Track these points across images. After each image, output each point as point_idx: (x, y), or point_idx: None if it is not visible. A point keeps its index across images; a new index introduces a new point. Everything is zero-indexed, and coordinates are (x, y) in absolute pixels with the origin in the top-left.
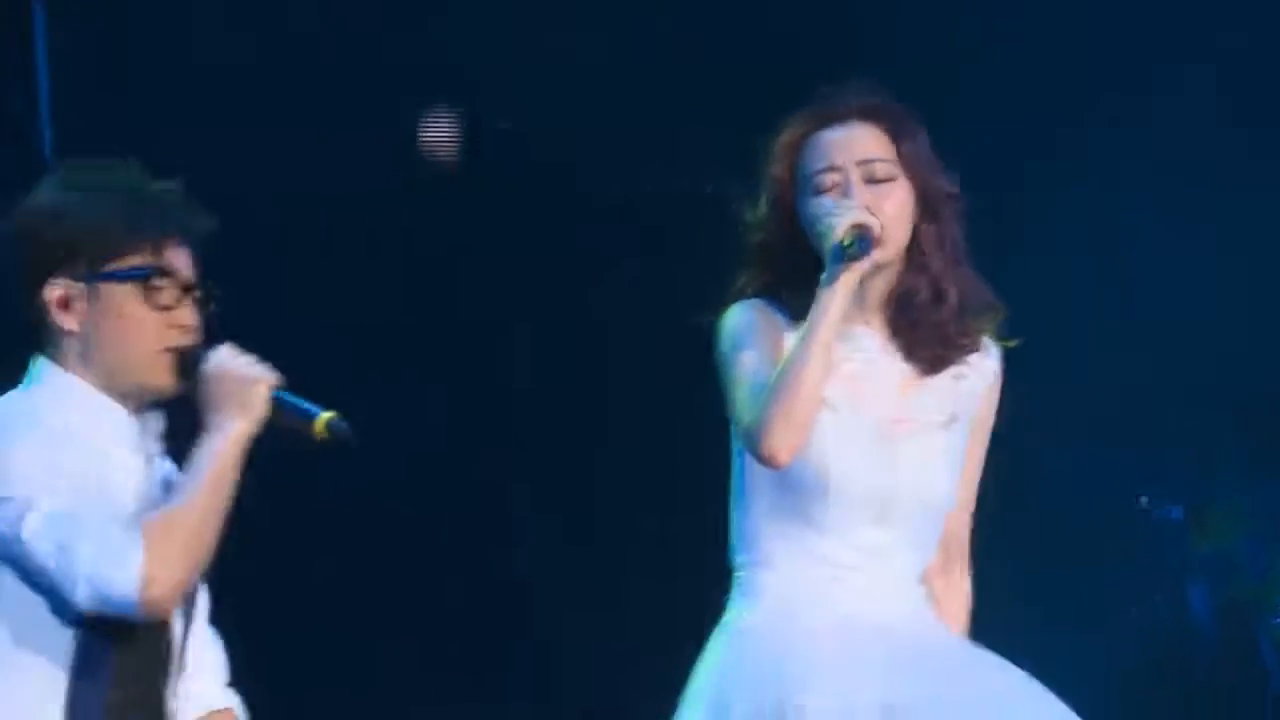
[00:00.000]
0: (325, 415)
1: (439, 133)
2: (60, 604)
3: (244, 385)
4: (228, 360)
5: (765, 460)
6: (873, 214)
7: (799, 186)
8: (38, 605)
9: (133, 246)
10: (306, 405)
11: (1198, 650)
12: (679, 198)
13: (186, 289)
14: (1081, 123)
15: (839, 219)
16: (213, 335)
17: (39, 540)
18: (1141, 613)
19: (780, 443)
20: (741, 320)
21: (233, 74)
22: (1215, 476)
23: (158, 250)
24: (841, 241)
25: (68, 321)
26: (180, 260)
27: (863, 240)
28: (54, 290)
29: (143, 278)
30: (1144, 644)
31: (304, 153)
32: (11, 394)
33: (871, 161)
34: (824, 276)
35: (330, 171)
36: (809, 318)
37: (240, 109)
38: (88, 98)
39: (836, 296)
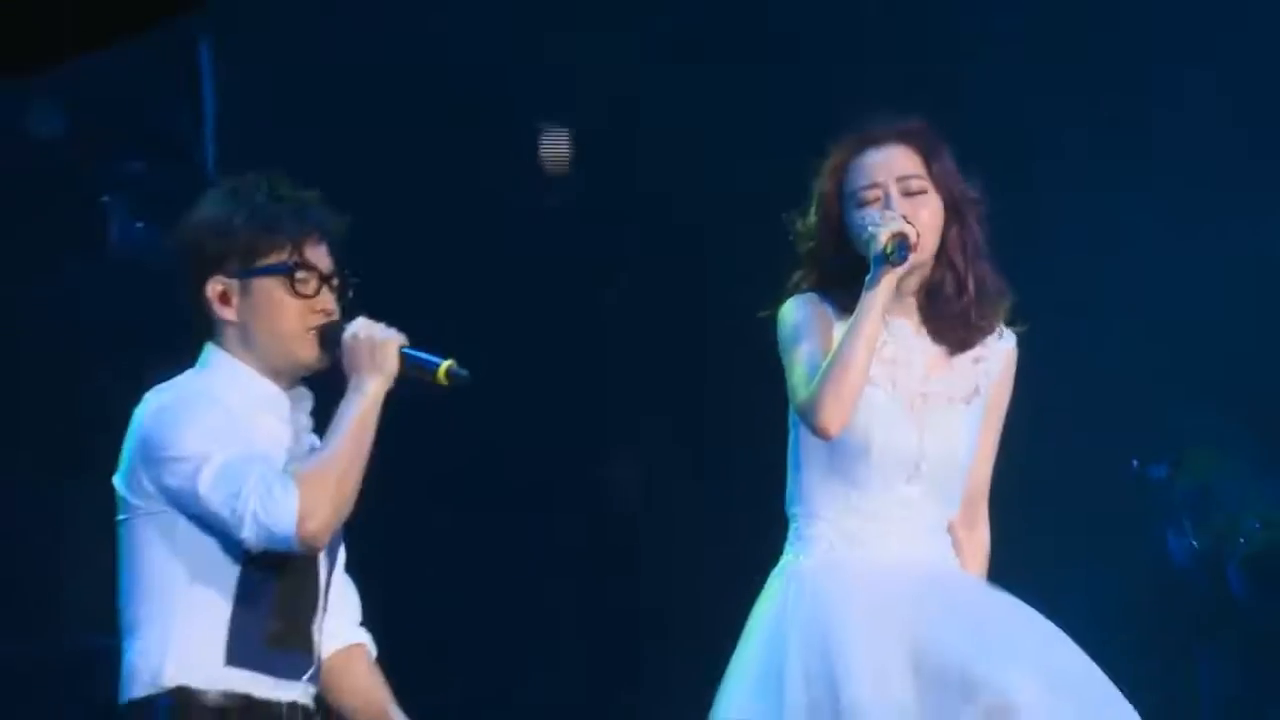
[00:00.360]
0: (445, 363)
1: (555, 144)
2: (230, 544)
3: (377, 347)
4: (362, 328)
5: (819, 432)
6: (909, 223)
7: (845, 201)
8: (209, 547)
9: (276, 246)
10: (430, 357)
11: (1178, 579)
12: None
13: (325, 278)
14: (1086, 123)
15: (883, 228)
16: (353, 312)
17: (212, 490)
18: (1133, 552)
19: (831, 418)
20: (798, 314)
21: (368, 97)
22: (1195, 432)
23: (298, 248)
24: (885, 249)
25: (226, 313)
26: (318, 254)
27: (901, 247)
28: (214, 287)
29: (285, 272)
30: (1132, 577)
31: (436, 157)
32: (186, 374)
33: (908, 178)
34: (868, 278)
35: (457, 170)
36: (855, 313)
37: (377, 124)
38: (246, 120)
39: (879, 295)
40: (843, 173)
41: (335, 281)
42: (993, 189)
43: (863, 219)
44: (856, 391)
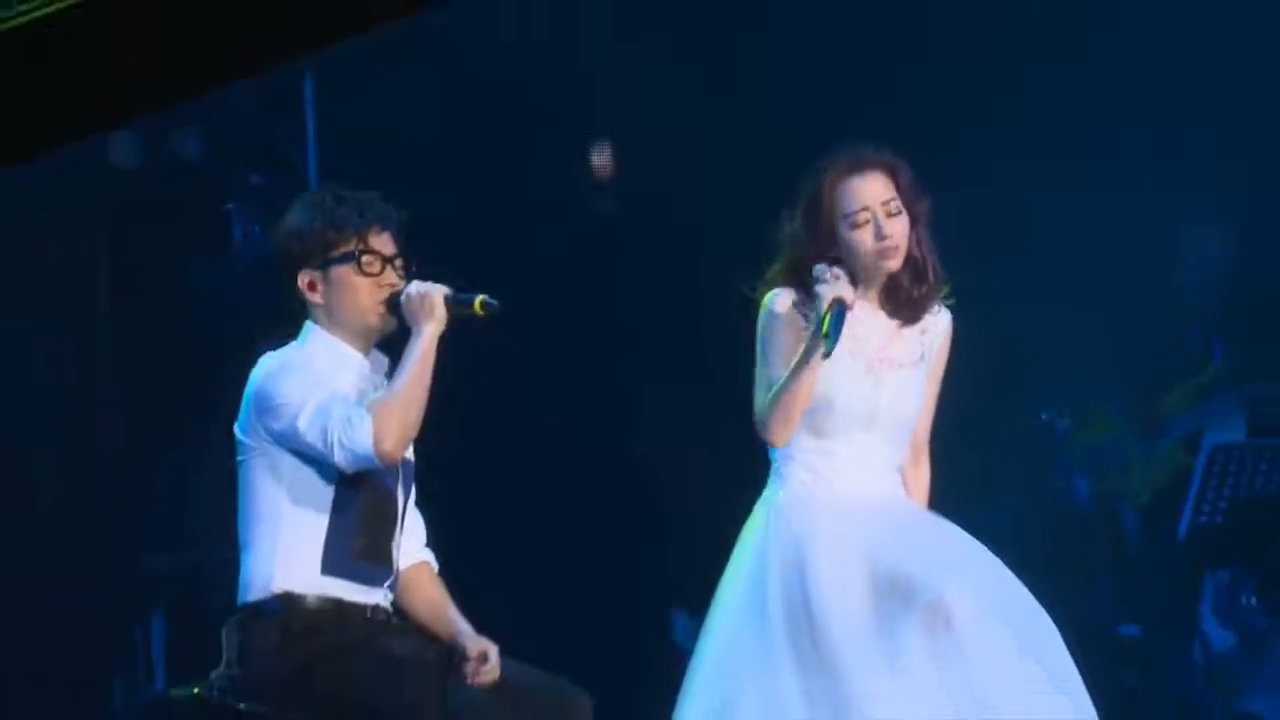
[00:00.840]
0: (479, 298)
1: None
2: (324, 477)
3: (427, 299)
4: (414, 287)
5: (768, 442)
6: (893, 245)
7: (838, 221)
8: (307, 480)
9: (344, 239)
10: (467, 295)
11: (1080, 523)
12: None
13: (388, 259)
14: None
15: (828, 288)
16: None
17: (308, 427)
18: (1042, 490)
19: (777, 436)
20: (773, 321)
21: (437, 122)
22: (1094, 393)
23: (362, 238)
24: (824, 329)
25: (315, 298)
26: (381, 241)
27: (838, 318)
28: (303, 279)
29: (353, 259)
30: (1043, 511)
31: (493, 168)
32: (290, 345)
33: (889, 201)
34: (808, 345)
35: (509, 175)
36: (800, 358)
37: (439, 145)
38: (340, 140)
39: (813, 362)
40: (835, 192)
41: (398, 261)
42: (939, 186)
43: (818, 274)
44: (798, 414)
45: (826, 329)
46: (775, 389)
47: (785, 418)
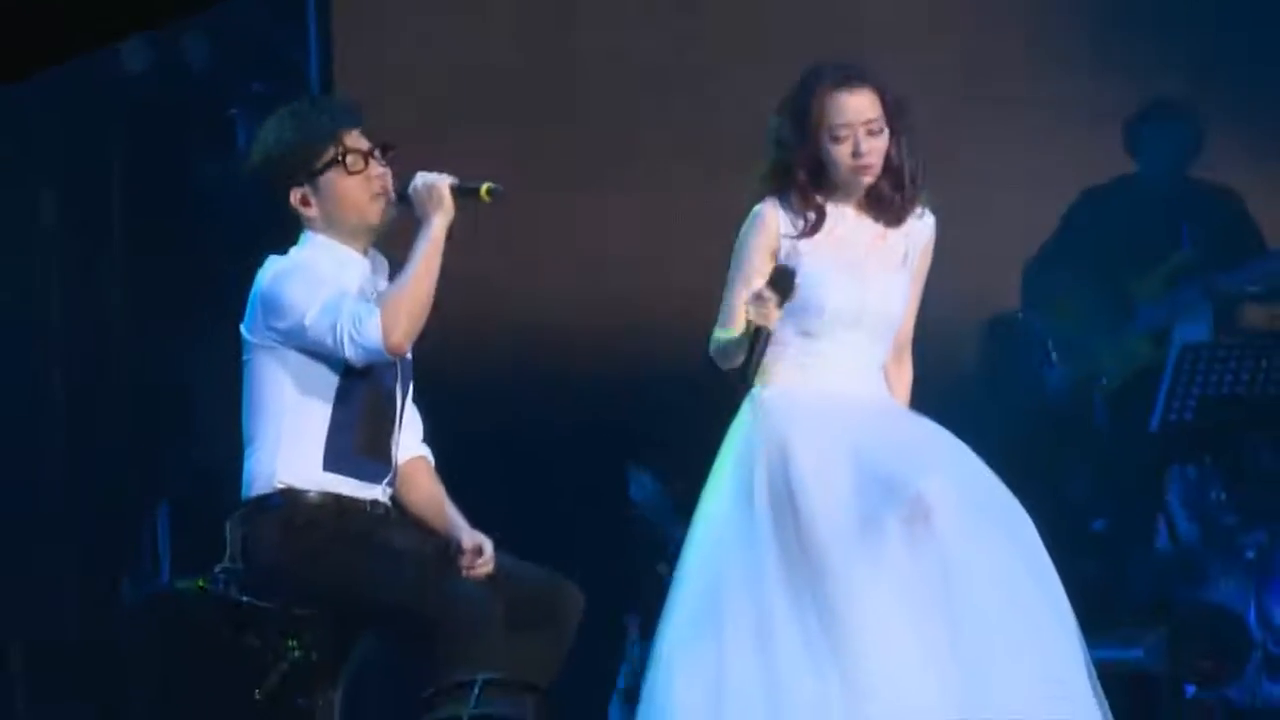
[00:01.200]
0: (485, 185)
1: None
2: (328, 368)
3: (434, 190)
4: (420, 178)
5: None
6: (868, 163)
7: (823, 128)
8: (310, 378)
9: (322, 146)
10: (473, 184)
11: (1053, 414)
12: None
13: (367, 154)
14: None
15: (753, 309)
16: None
17: (316, 323)
18: (1017, 382)
19: (720, 365)
20: (751, 239)
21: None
22: (1065, 284)
23: (338, 140)
24: (751, 315)
25: (309, 211)
26: (356, 139)
27: (761, 347)
28: (295, 196)
29: (337, 162)
30: (1016, 412)
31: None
32: (292, 250)
33: (871, 120)
34: (747, 337)
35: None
36: (740, 337)
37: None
38: (343, 48)
39: (757, 350)
40: (824, 106)
41: (376, 152)
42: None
43: (749, 301)
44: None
45: (749, 359)
46: (722, 340)
47: (727, 363)
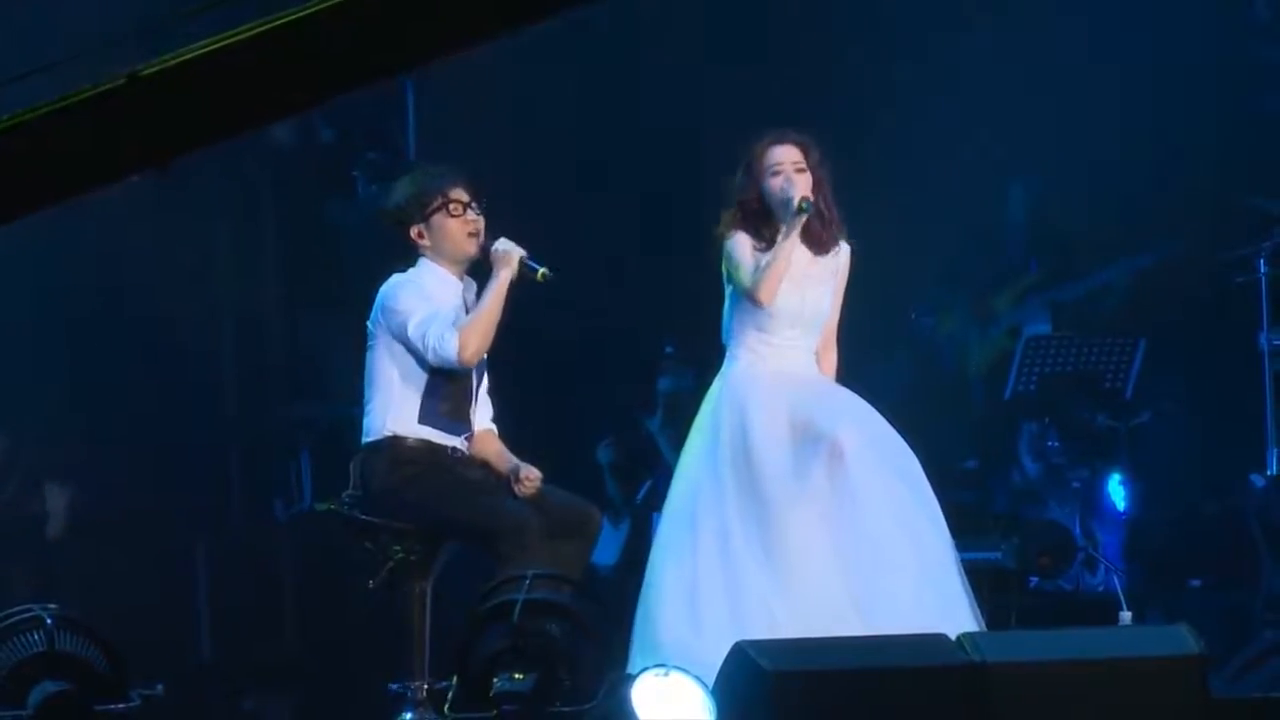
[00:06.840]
0: (542, 269)
1: None
2: (423, 360)
3: (508, 255)
4: (502, 244)
5: (758, 302)
6: (803, 190)
7: (764, 174)
8: (412, 362)
9: (433, 198)
10: (535, 264)
11: (939, 390)
12: None
13: (466, 204)
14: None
15: (795, 190)
16: (497, 233)
17: (414, 332)
18: (911, 370)
19: (767, 295)
20: (741, 247)
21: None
22: (947, 297)
23: (446, 194)
24: (799, 204)
25: (423, 243)
26: (459, 193)
27: (808, 202)
28: (413, 231)
29: (444, 209)
30: (911, 386)
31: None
32: (408, 271)
33: (797, 161)
34: (786, 227)
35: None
36: (779, 243)
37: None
38: (434, 127)
39: (794, 231)
40: (762, 158)
41: (473, 205)
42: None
43: (783, 187)
44: (781, 279)
45: (803, 205)
46: (764, 266)
47: (770, 283)
